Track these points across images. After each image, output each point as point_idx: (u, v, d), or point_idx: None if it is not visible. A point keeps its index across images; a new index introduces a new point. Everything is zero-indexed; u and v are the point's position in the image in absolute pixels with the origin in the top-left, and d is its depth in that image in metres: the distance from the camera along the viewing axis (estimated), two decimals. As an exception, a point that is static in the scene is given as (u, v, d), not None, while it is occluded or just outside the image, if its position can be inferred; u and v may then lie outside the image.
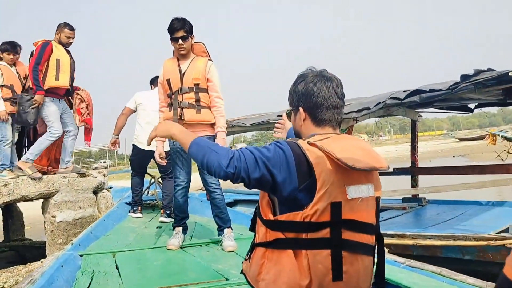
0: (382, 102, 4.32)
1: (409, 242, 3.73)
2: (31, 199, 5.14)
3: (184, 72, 3.39)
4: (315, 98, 1.49)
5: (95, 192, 5.72)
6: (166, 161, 3.64)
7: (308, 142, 1.39)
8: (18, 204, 7.02)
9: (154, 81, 5.24)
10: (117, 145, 5.29)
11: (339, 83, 1.53)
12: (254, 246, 1.47)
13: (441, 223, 4.54)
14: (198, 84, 3.39)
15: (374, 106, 4.31)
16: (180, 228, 3.65)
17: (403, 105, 4.37)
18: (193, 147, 1.45)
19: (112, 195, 6.44)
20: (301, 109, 1.53)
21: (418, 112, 5.83)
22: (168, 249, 3.50)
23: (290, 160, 1.33)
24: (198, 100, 3.38)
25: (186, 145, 1.48)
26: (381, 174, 5.22)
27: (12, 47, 5.51)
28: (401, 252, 3.68)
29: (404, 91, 4.45)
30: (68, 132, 5.38)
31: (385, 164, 1.45)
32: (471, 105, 5.63)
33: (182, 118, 3.34)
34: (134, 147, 5.14)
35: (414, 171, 5.92)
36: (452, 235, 3.62)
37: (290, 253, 1.33)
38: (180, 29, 3.29)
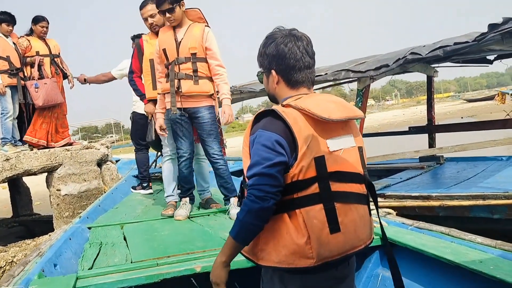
0: (402, 58, 4.03)
1: (436, 203, 3.59)
2: (35, 173, 5.09)
3: (180, 41, 3.26)
4: (287, 59, 1.46)
5: (99, 164, 5.65)
6: (167, 133, 3.51)
7: (281, 105, 1.43)
8: (25, 180, 7.01)
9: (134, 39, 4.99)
10: (81, 79, 5.57)
11: (309, 41, 1.50)
12: None
13: (464, 181, 4.35)
14: (195, 54, 3.26)
15: (394, 62, 4.04)
16: (187, 199, 3.60)
17: (423, 60, 4.08)
18: (239, 236, 1.38)
19: (120, 167, 6.39)
20: (273, 71, 1.50)
21: (434, 67, 5.54)
22: (175, 220, 3.46)
23: (279, 139, 1.33)
24: (195, 71, 3.26)
25: (235, 245, 1.40)
26: (398, 133, 5.02)
27: (12, 18, 5.33)
28: (427, 213, 3.54)
29: (423, 46, 4.18)
30: None
31: (360, 113, 1.49)
32: (491, 57, 5.33)
33: (180, 90, 3.26)
34: (135, 114, 4.91)
35: (431, 129, 5.68)
36: (481, 194, 3.46)
37: (285, 217, 1.34)
38: (163, 1, 3.16)
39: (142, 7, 3.79)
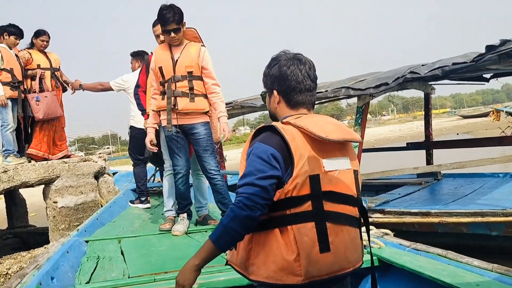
0: (402, 76, 4.12)
1: (435, 220, 3.62)
2: (32, 185, 5.05)
3: (177, 60, 3.31)
4: (289, 81, 1.51)
5: (96, 177, 5.61)
6: (157, 148, 3.56)
7: (281, 122, 1.46)
8: (21, 191, 6.96)
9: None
10: (76, 85, 5.52)
11: (312, 65, 1.56)
12: None
13: (462, 198, 4.38)
14: (191, 72, 3.31)
15: (393, 81, 4.13)
16: (185, 214, 3.61)
17: (422, 79, 4.16)
18: (220, 240, 1.37)
19: (117, 180, 6.36)
20: (275, 92, 1.56)
21: (432, 84, 5.61)
22: (173, 235, 3.45)
23: (274, 153, 1.36)
24: (191, 88, 3.31)
25: (213, 249, 1.38)
26: (396, 149, 5.05)
27: (21, 32, 5.38)
28: (426, 230, 3.54)
29: (422, 65, 4.26)
30: None
31: (358, 137, 1.52)
32: (487, 75, 5.41)
33: (176, 107, 3.29)
34: (132, 128, 4.91)
35: (429, 145, 5.73)
36: (480, 211, 3.50)
37: (276, 232, 1.36)
38: (172, 21, 3.18)
39: (155, 24, 3.76)
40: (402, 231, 2.98)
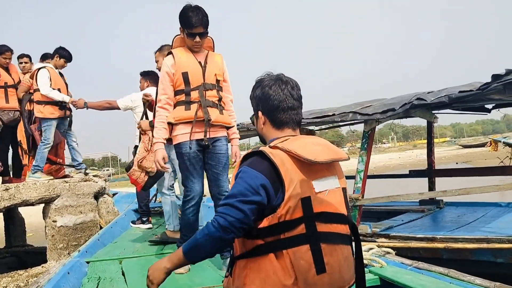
0: (409, 103, 4.16)
1: (440, 245, 3.60)
2: (32, 204, 5.02)
3: (205, 66, 2.94)
4: (271, 101, 1.54)
5: (96, 197, 5.59)
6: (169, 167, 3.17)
7: (269, 146, 1.46)
8: (20, 209, 6.91)
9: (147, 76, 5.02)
10: (80, 103, 5.31)
11: (295, 85, 1.58)
12: (234, 260, 1.47)
13: (465, 225, 4.35)
14: (219, 82, 3.00)
15: (400, 107, 4.16)
16: None
17: (428, 106, 4.21)
18: (190, 253, 1.40)
19: (118, 200, 6.34)
20: (260, 113, 1.60)
21: (435, 113, 5.66)
22: (176, 274, 2.91)
23: (260, 179, 1.36)
24: (220, 99, 2.98)
25: (184, 259, 1.42)
26: (398, 176, 5.03)
27: (70, 57, 5.57)
28: (430, 256, 3.51)
29: (428, 92, 4.32)
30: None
31: (345, 155, 1.54)
32: (489, 106, 5.47)
33: (209, 118, 2.86)
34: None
35: (431, 173, 5.73)
36: (485, 237, 3.49)
37: (271, 257, 1.35)
38: (199, 24, 2.79)
39: (160, 49, 3.78)
40: (407, 257, 2.96)
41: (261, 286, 1.35)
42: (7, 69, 5.56)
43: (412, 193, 4.41)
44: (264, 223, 1.37)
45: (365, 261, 2.65)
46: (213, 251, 1.38)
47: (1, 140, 5.54)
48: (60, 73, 5.57)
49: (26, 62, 5.89)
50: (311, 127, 5.97)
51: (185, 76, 2.87)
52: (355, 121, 4.85)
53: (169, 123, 2.88)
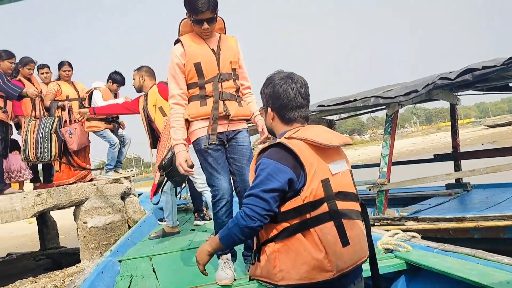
0: (432, 83, 4.08)
1: (470, 225, 3.55)
2: (63, 207, 5.20)
3: (219, 53, 2.58)
4: (281, 99, 1.65)
5: (123, 198, 5.77)
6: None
7: (285, 137, 1.59)
8: (51, 213, 7.16)
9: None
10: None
11: (303, 83, 1.69)
12: (260, 247, 1.58)
13: (494, 206, 4.26)
14: (235, 69, 2.64)
15: (423, 88, 4.09)
16: (228, 255, 2.63)
17: (451, 85, 4.12)
18: (224, 240, 1.59)
19: (143, 201, 6.49)
20: (269, 109, 1.71)
21: (457, 95, 5.55)
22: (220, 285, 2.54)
23: (280, 167, 1.48)
24: (238, 90, 2.64)
25: (220, 245, 1.62)
26: (422, 161, 4.93)
27: (123, 81, 5.95)
28: (460, 236, 3.47)
29: (450, 72, 4.25)
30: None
31: (350, 140, 1.73)
32: (512, 84, 5.32)
33: (227, 114, 2.55)
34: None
35: (456, 156, 5.63)
36: None
37: (299, 236, 1.47)
38: (206, 9, 2.41)
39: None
40: (436, 238, 2.93)
41: (293, 265, 1.46)
42: (29, 80, 5.72)
43: (439, 174, 4.33)
44: (288, 206, 1.49)
45: (390, 246, 2.65)
46: (243, 238, 1.52)
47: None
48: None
49: (47, 72, 6.05)
50: (330, 117, 5.94)
51: (197, 67, 2.53)
52: (377, 107, 4.78)
53: (186, 120, 2.58)
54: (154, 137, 4.24)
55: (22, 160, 5.24)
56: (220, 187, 2.54)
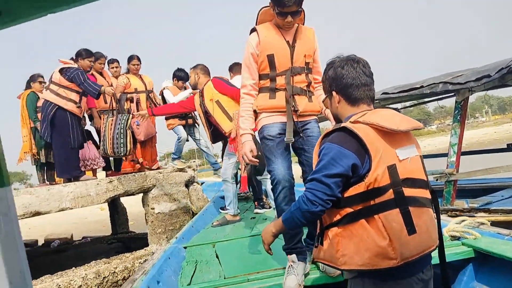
0: (506, 67, 3.71)
1: None
2: (133, 194, 5.50)
3: (294, 46, 2.49)
4: (345, 79, 1.61)
5: (187, 185, 6.01)
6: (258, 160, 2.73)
7: (350, 122, 1.54)
8: (122, 200, 7.62)
9: (233, 68, 5.14)
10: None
11: (366, 63, 1.65)
12: (323, 230, 1.57)
13: None
14: (308, 63, 2.55)
15: (496, 72, 3.74)
16: (294, 256, 2.46)
17: None
18: (286, 222, 1.62)
19: (205, 189, 6.73)
20: (334, 92, 1.66)
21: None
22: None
23: (344, 152, 1.45)
24: (309, 84, 2.56)
25: (283, 227, 1.66)
26: (494, 151, 4.60)
27: (187, 77, 6.05)
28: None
29: None
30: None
31: (421, 124, 1.63)
32: None
33: (296, 109, 2.47)
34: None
35: (534, 143, 5.18)
36: None
37: (363, 222, 1.44)
38: (292, 3, 2.33)
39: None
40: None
41: (356, 250, 1.45)
42: (101, 74, 6.09)
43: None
44: (352, 191, 1.47)
45: (457, 233, 2.56)
46: (305, 222, 1.54)
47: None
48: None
49: (116, 67, 6.38)
50: (394, 105, 5.72)
51: (270, 59, 2.47)
52: (446, 93, 4.50)
53: (254, 111, 2.56)
54: (213, 132, 4.38)
55: (101, 155, 5.59)
56: (277, 173, 2.46)
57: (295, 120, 2.49)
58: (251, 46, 2.48)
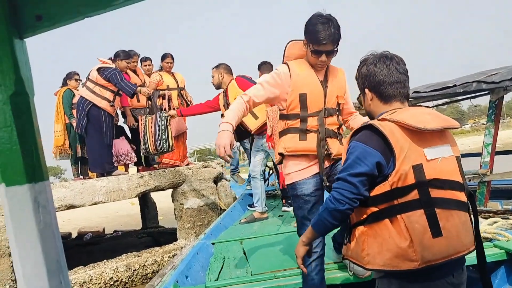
0: None
1: None
2: (163, 189, 5.62)
3: (327, 86, 2.34)
4: (377, 76, 1.58)
5: (215, 182, 6.08)
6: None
7: (377, 119, 1.53)
8: (152, 195, 7.80)
9: (261, 67, 5.08)
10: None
11: (400, 60, 1.61)
12: (350, 228, 1.57)
13: None
14: (340, 104, 2.42)
15: None
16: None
17: None
18: (316, 227, 1.60)
19: (232, 185, 6.80)
20: (366, 90, 1.63)
21: None
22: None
23: (369, 151, 1.44)
24: (340, 127, 2.42)
25: (313, 233, 1.63)
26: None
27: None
28: None
29: None
30: None
31: (457, 123, 1.53)
32: None
33: (330, 153, 2.31)
34: None
35: None
36: None
37: (386, 222, 1.43)
38: (329, 41, 2.19)
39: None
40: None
41: (378, 251, 1.44)
42: (134, 72, 6.24)
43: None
44: (377, 191, 1.45)
45: (489, 235, 2.50)
46: (334, 222, 1.52)
47: (136, 134, 6.23)
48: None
49: (149, 65, 6.52)
50: (426, 104, 5.59)
51: (302, 98, 2.28)
52: (480, 92, 4.36)
53: (280, 154, 2.35)
54: (238, 130, 4.37)
55: (143, 154, 5.49)
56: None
57: (327, 165, 2.33)
58: (279, 78, 2.30)
